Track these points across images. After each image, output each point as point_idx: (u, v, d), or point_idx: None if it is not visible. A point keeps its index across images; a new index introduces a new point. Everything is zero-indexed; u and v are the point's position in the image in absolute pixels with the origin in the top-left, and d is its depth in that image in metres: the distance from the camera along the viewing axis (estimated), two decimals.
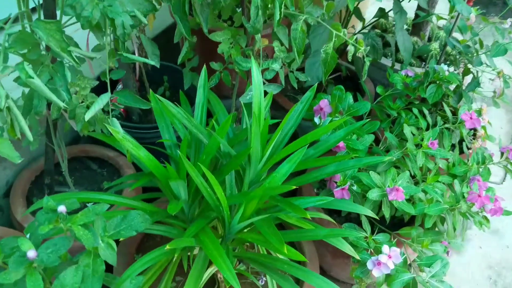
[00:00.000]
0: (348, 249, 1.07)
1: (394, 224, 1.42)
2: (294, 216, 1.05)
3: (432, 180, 1.32)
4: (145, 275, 1.00)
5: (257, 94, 1.11)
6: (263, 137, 1.11)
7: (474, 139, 1.63)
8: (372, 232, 1.28)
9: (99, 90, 1.08)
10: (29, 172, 1.50)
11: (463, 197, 1.25)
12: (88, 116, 0.97)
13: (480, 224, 1.24)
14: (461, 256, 1.76)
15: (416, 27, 2.01)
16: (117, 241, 0.81)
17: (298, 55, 1.30)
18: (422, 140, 1.33)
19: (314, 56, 1.64)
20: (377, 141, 1.48)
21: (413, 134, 1.39)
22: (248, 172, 1.11)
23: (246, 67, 1.26)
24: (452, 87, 1.66)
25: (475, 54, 1.54)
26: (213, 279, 1.20)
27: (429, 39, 2.03)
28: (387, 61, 1.91)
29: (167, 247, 0.84)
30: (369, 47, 1.61)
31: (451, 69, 1.58)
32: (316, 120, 1.36)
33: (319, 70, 1.65)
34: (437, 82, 1.50)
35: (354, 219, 1.46)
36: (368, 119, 1.61)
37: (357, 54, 1.35)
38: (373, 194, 1.20)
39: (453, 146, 1.48)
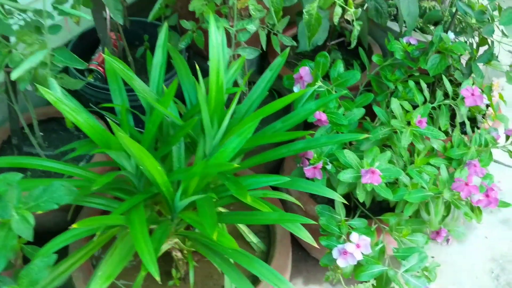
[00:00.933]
0: (306, 236, 0.95)
1: (382, 209, 1.29)
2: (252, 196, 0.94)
3: (421, 163, 1.17)
4: (78, 253, 0.92)
5: (215, 57, 0.99)
6: (218, 106, 0.99)
7: (484, 118, 1.46)
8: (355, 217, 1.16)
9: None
10: (1, 131, 1.45)
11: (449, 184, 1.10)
12: (15, 74, 0.88)
13: (467, 216, 1.09)
14: (463, 245, 1.61)
15: None
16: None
17: (275, 15, 1.16)
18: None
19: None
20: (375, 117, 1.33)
21: (407, 111, 1.24)
22: (202, 145, 1.00)
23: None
24: (465, 59, 1.48)
25: (490, 22, 1.34)
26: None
27: (452, 4, 1.83)
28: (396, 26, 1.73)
29: (74, 225, 0.75)
30: (370, 10, 1.44)
31: (463, 38, 1.40)
32: (295, 89, 1.23)
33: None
34: (443, 52, 1.33)
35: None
36: (363, 91, 1.46)
37: (345, 17, 1.20)
38: (346, 176, 1.07)
39: (454, 126, 1.32)
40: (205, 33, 1.25)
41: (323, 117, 1.22)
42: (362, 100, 1.35)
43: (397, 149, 1.22)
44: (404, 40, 1.38)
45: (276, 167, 1.54)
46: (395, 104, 1.17)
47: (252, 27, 1.19)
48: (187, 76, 1.14)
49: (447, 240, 1.19)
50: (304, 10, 1.18)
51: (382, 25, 1.53)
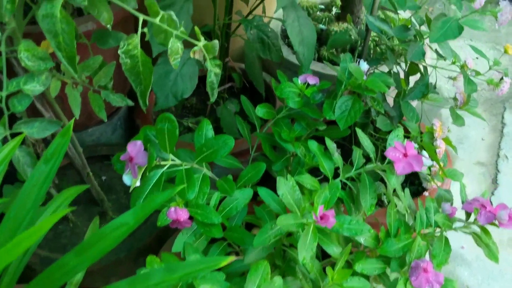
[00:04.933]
0: None
1: None
2: None
3: (341, 278, 0.71)
4: None
5: None
6: None
7: (430, 175, 1.02)
8: None
9: None
10: None
11: None
12: None
13: None
14: None
15: (347, 8, 1.41)
16: None
17: (68, 62, 0.69)
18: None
19: (164, 63, 1.04)
20: None
21: (311, 191, 0.78)
22: None
23: None
24: (392, 95, 1.06)
25: (416, 40, 0.93)
26: None
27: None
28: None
29: None
30: (251, 43, 1.01)
31: (385, 68, 0.98)
32: (126, 179, 0.75)
33: (177, 84, 1.05)
34: (356, 92, 0.90)
35: None
36: (257, 157, 1.01)
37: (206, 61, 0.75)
38: None
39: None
40: None
41: (183, 215, 0.76)
42: (250, 175, 0.90)
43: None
44: (300, 79, 0.94)
45: None
46: (283, 187, 0.71)
47: (35, 87, 0.71)
48: None
49: None
50: (120, 51, 0.71)
51: (274, 60, 1.09)
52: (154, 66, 0.98)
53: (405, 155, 0.75)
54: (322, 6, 1.59)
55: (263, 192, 0.80)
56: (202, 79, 1.30)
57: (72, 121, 0.69)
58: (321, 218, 0.66)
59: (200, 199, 0.80)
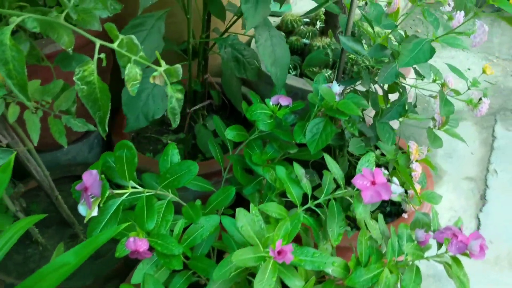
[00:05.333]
0: None
1: None
2: None
3: None
4: None
5: None
6: None
7: (407, 198, 0.99)
8: None
9: None
10: None
11: None
12: None
13: None
14: None
15: (330, 22, 1.38)
16: None
17: (19, 90, 0.67)
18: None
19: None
20: None
21: (277, 219, 0.75)
22: None
23: None
24: (370, 115, 1.03)
25: (392, 61, 0.90)
26: None
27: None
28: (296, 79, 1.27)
29: None
30: (226, 62, 0.98)
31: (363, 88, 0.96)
32: (81, 209, 0.72)
33: (148, 105, 1.02)
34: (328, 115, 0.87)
35: None
36: (229, 179, 0.98)
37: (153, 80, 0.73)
38: None
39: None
40: None
41: (142, 246, 0.73)
42: (220, 199, 0.88)
43: None
44: (272, 101, 0.92)
45: None
46: (243, 219, 0.68)
47: None
48: None
49: None
50: (75, 78, 0.69)
51: (250, 78, 1.07)
52: (124, 86, 0.96)
53: (373, 182, 0.72)
54: (307, 20, 1.56)
55: (227, 221, 0.77)
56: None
57: (13, 156, 0.67)
58: (279, 253, 0.63)
59: (163, 227, 0.78)
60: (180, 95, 0.76)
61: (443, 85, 0.98)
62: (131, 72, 0.70)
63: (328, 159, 0.78)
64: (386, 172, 0.76)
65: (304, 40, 1.43)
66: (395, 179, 0.76)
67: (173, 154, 0.84)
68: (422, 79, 0.96)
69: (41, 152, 1.23)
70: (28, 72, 0.87)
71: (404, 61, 0.73)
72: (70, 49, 0.78)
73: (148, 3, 0.88)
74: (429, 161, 1.02)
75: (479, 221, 1.44)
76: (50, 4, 0.85)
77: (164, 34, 1.14)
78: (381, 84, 0.99)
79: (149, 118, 1.00)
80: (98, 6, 0.85)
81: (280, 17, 1.60)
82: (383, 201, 1.17)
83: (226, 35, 1.09)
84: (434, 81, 1.00)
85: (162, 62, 0.73)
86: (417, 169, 0.88)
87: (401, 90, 0.99)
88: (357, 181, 0.72)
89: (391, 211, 1.13)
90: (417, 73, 0.97)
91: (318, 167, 1.05)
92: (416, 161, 0.91)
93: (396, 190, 0.75)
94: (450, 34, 0.84)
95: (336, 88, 0.86)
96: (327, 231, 0.75)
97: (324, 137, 0.85)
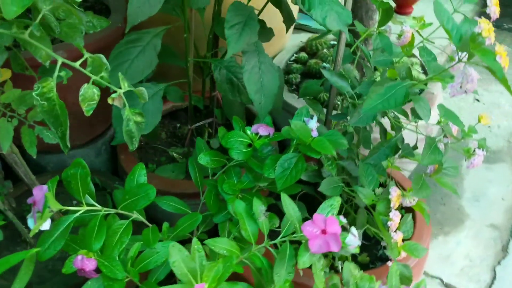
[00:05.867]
0: None
1: None
2: None
3: None
4: None
5: None
6: None
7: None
8: None
9: None
10: None
11: None
12: None
13: None
14: None
15: None
16: None
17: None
18: None
19: (126, 97, 1.02)
20: None
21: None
22: None
23: None
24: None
25: None
26: None
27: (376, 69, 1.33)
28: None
29: None
30: (220, 84, 0.97)
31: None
32: (29, 222, 0.73)
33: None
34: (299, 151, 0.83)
35: None
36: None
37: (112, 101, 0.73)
38: None
39: None
40: None
41: (89, 265, 0.73)
42: (186, 224, 0.86)
43: None
44: (252, 129, 0.89)
45: None
46: (176, 255, 0.66)
47: None
48: None
49: None
50: (34, 93, 0.70)
51: (244, 102, 1.04)
52: None
53: (324, 231, 0.68)
54: (334, 43, 1.51)
55: (174, 250, 0.75)
56: (197, 109, 1.28)
57: None
58: None
59: (117, 248, 0.77)
60: (139, 119, 0.75)
61: (444, 130, 0.90)
62: (87, 93, 0.70)
63: (285, 200, 0.74)
64: (344, 220, 0.71)
65: (324, 64, 1.38)
66: (353, 230, 0.70)
67: (140, 175, 0.84)
68: (415, 122, 0.89)
69: (49, 153, 1.28)
70: (13, 80, 0.90)
71: (370, 106, 0.67)
72: (47, 63, 0.79)
73: (136, 21, 0.88)
74: (423, 207, 0.95)
75: (495, 274, 1.32)
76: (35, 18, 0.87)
77: (174, 49, 1.15)
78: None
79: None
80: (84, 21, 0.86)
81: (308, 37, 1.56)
82: (376, 243, 1.10)
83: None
84: (438, 123, 0.93)
85: (124, 84, 0.73)
86: (394, 218, 0.82)
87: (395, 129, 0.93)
88: (306, 228, 0.68)
89: (382, 255, 1.06)
90: (413, 113, 0.90)
91: (310, 200, 1.00)
92: (399, 209, 0.84)
93: (352, 242, 0.70)
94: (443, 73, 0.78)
95: (313, 124, 0.82)
96: (274, 276, 0.71)
97: (294, 173, 0.81)
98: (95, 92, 0.71)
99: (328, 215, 0.73)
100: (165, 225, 0.88)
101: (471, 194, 1.57)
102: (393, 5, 1.12)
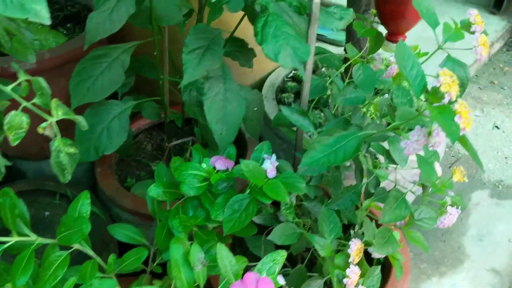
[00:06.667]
0: None
1: None
2: None
3: None
4: None
5: None
6: None
7: None
8: None
9: None
10: None
11: None
12: None
13: None
14: None
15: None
16: None
17: None
18: None
19: (91, 115, 0.98)
20: None
21: None
22: None
23: None
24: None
25: None
26: None
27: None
28: None
29: None
30: (189, 106, 0.92)
31: None
32: None
33: (101, 139, 0.99)
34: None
35: None
36: None
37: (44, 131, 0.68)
38: None
39: None
40: None
41: None
42: (130, 261, 0.82)
43: None
44: (211, 161, 0.82)
45: None
46: None
47: None
48: None
49: None
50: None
51: None
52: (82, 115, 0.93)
53: None
54: None
55: None
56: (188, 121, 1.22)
57: None
58: None
59: (49, 283, 0.73)
60: (72, 150, 0.70)
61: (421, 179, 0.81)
62: (15, 120, 0.65)
63: (221, 252, 0.67)
64: (281, 282, 0.64)
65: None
66: None
67: (83, 204, 0.79)
68: (386, 168, 0.81)
69: (26, 159, 1.25)
70: None
71: (312, 159, 0.59)
72: None
73: (96, 39, 0.84)
74: (396, 259, 0.86)
75: None
76: None
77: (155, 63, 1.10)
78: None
79: (99, 153, 0.96)
80: (40, 38, 0.82)
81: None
82: None
83: None
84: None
85: (56, 112, 0.68)
86: (351, 276, 0.74)
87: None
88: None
89: None
90: (388, 157, 0.82)
91: None
92: (356, 264, 0.76)
93: None
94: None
95: (268, 165, 0.74)
96: None
97: (243, 217, 0.74)
98: (24, 120, 0.66)
99: (269, 272, 0.66)
100: (112, 257, 0.83)
101: (475, 231, 1.46)
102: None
